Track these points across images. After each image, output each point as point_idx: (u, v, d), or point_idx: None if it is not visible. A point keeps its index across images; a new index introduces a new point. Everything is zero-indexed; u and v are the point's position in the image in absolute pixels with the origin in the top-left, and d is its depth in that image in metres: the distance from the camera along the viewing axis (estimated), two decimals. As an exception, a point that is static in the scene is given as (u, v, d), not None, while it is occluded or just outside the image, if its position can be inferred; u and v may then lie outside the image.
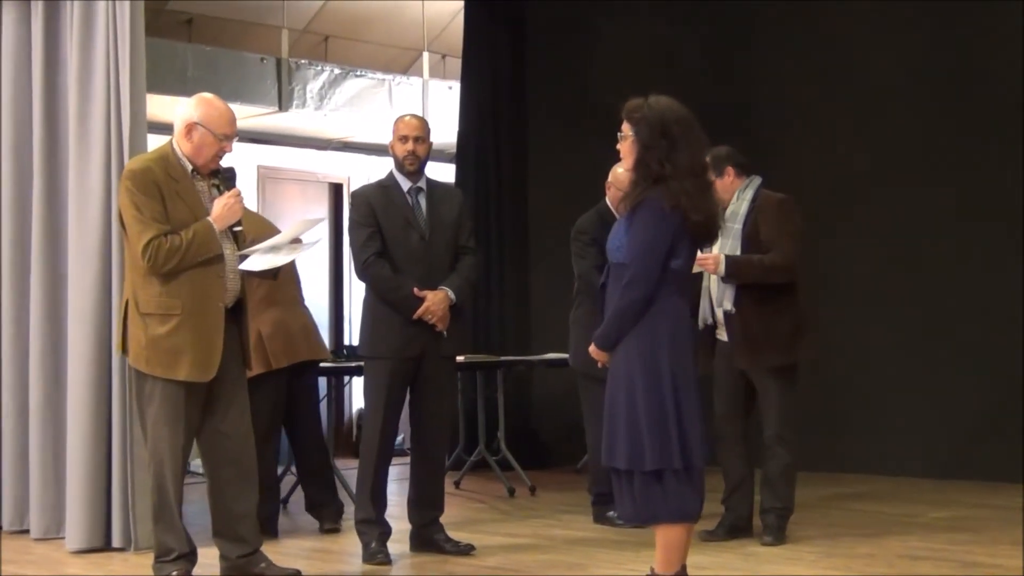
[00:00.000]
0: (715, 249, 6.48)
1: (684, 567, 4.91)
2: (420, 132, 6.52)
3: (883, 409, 9.30)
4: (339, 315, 12.66)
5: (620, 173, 7.38)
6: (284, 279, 6.94)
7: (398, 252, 6.41)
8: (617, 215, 7.19)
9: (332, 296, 12.66)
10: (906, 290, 9.24)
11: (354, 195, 6.66)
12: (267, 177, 12.13)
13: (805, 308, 6.73)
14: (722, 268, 6.46)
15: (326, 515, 7.35)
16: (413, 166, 6.48)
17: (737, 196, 6.66)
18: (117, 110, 6.77)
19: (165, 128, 6.66)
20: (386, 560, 6.28)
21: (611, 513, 7.20)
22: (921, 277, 9.18)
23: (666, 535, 4.85)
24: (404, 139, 6.48)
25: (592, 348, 4.98)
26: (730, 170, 6.66)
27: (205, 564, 5.78)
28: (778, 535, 6.59)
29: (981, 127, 8.96)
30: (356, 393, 11.01)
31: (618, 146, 4.99)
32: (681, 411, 4.77)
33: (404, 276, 6.35)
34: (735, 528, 6.73)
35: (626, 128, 4.94)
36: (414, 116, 6.63)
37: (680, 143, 4.81)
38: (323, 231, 12.02)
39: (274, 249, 5.81)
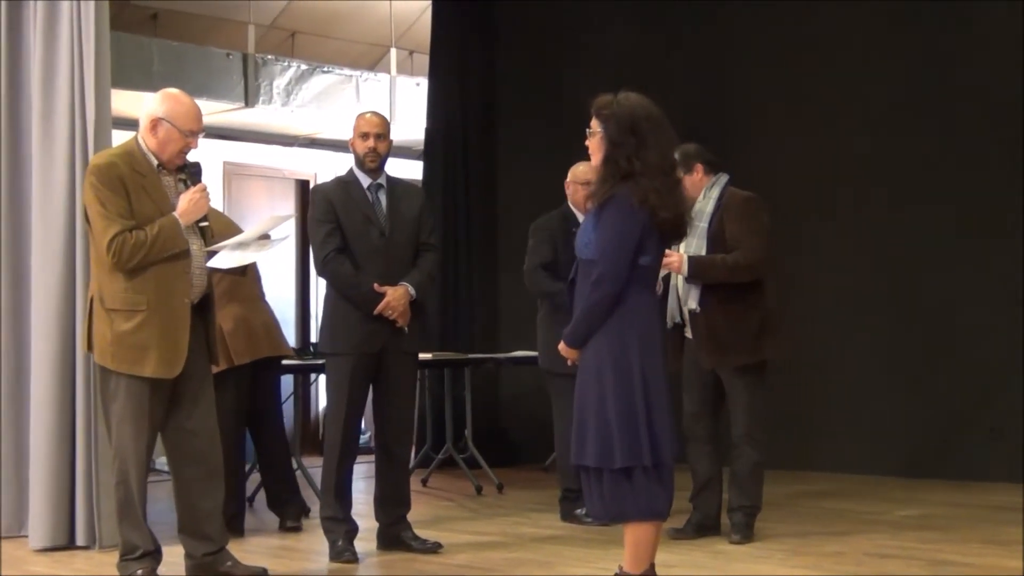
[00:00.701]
0: (680, 248, 6.47)
1: (652, 565, 4.89)
2: (381, 129, 6.49)
3: (851, 408, 9.32)
4: (305, 312, 12.60)
5: (580, 170, 7.48)
6: (248, 276, 6.92)
7: (358, 248, 6.38)
8: (578, 213, 7.23)
9: (298, 294, 12.60)
10: (876, 289, 9.27)
11: (314, 191, 6.64)
12: (233, 174, 12.06)
13: (773, 307, 6.71)
14: (686, 268, 6.44)
15: (287, 513, 7.32)
16: (374, 163, 6.46)
17: (704, 194, 6.64)
18: (82, 107, 6.72)
19: (130, 124, 6.59)
20: (353, 558, 6.24)
21: (579, 511, 7.18)
22: (891, 277, 9.21)
23: (635, 533, 4.83)
24: (365, 136, 6.46)
25: (561, 346, 4.95)
26: (699, 167, 6.64)
27: (170, 563, 5.73)
28: (746, 533, 6.59)
29: (954, 127, 8.98)
30: (323, 391, 10.96)
31: (586, 142, 4.95)
32: (651, 408, 4.75)
33: (364, 272, 6.33)
34: (703, 526, 6.72)
35: (595, 124, 4.91)
36: (375, 113, 6.61)
37: (649, 140, 4.78)
38: (290, 228, 11.96)
39: (242, 245, 5.78)
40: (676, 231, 4.96)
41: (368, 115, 6.57)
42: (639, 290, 4.80)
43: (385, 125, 6.55)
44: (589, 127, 4.93)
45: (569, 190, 7.51)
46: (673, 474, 4.89)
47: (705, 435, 6.70)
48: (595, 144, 4.89)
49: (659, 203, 4.74)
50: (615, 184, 4.78)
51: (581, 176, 7.38)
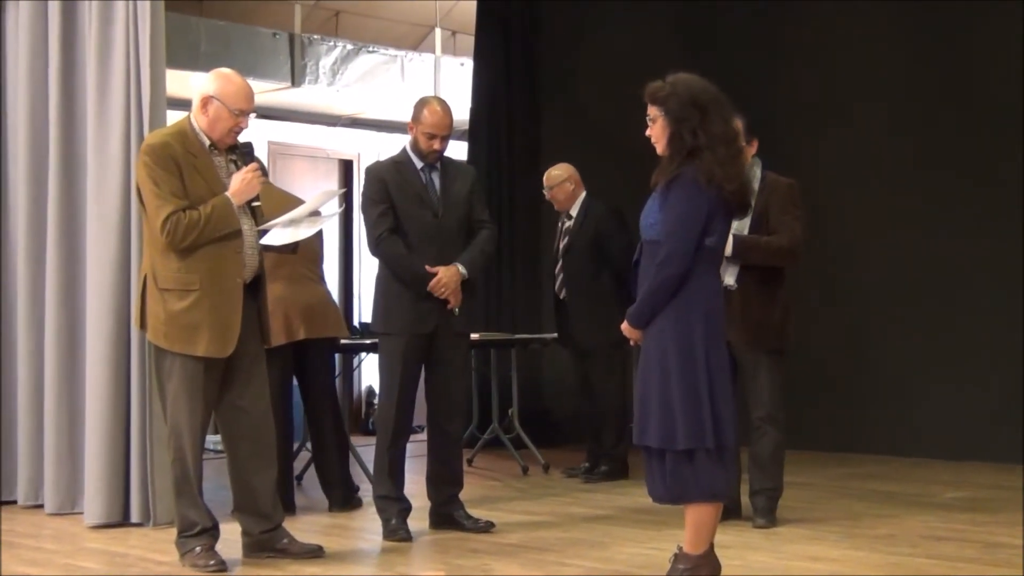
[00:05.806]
0: None
1: (712, 546, 4.89)
2: (448, 131, 6.44)
3: (897, 390, 9.28)
4: (349, 293, 12.62)
5: (554, 175, 8.15)
6: (298, 255, 6.88)
7: (411, 229, 6.38)
8: (559, 209, 7.97)
9: (342, 274, 12.61)
10: (922, 272, 9.22)
11: (368, 171, 6.62)
12: (277, 153, 12.09)
13: (790, 296, 6.67)
14: (730, 247, 6.35)
15: (334, 498, 7.27)
16: (434, 160, 6.45)
17: (749, 170, 6.56)
18: (137, 84, 6.73)
19: (176, 103, 6.62)
20: (407, 537, 6.25)
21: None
22: (940, 260, 9.16)
23: (696, 514, 4.83)
24: (431, 136, 6.39)
25: (624, 325, 4.93)
26: (755, 143, 6.61)
27: (227, 540, 5.76)
28: (770, 517, 6.52)
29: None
30: (366, 370, 10.97)
31: (647, 132, 4.87)
32: (714, 390, 4.74)
33: (417, 253, 6.33)
34: (726, 509, 6.62)
35: (653, 111, 4.85)
36: (445, 112, 6.44)
37: (712, 111, 4.76)
38: (338, 205, 11.98)
39: (293, 222, 5.80)
40: (742, 203, 4.93)
41: (441, 113, 6.41)
42: (704, 271, 4.78)
43: (452, 124, 6.46)
44: (648, 115, 4.87)
45: (548, 195, 7.82)
46: (734, 456, 4.89)
47: None
48: (658, 130, 4.83)
49: (725, 176, 4.71)
50: (681, 163, 4.76)
51: (555, 180, 8.26)
